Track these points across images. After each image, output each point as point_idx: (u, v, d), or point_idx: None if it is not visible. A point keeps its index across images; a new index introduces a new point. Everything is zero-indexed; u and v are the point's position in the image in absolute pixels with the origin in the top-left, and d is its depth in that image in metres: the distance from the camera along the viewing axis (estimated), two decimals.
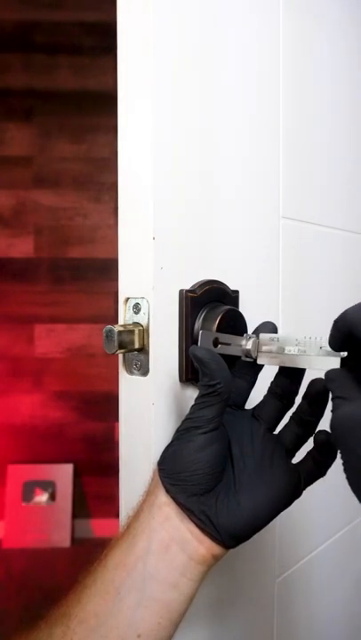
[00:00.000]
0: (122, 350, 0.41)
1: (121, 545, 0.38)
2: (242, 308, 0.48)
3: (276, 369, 0.42)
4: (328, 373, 0.36)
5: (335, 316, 0.35)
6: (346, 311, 0.34)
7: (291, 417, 0.42)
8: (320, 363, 0.38)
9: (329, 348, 0.36)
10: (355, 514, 0.74)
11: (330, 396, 0.37)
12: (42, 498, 2.40)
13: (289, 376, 0.41)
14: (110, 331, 0.40)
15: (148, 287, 0.41)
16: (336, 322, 0.34)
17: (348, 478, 0.32)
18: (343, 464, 0.32)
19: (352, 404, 0.33)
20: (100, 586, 0.37)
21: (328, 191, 0.66)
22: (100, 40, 2.38)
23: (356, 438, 0.31)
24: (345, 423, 0.32)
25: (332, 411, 0.34)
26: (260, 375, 0.43)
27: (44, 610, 0.38)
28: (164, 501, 0.38)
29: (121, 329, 0.40)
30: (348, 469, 0.32)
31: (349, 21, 0.69)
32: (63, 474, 2.44)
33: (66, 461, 2.46)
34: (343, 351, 0.36)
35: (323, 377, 0.38)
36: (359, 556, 0.76)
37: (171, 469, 0.38)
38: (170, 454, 0.39)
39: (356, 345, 0.34)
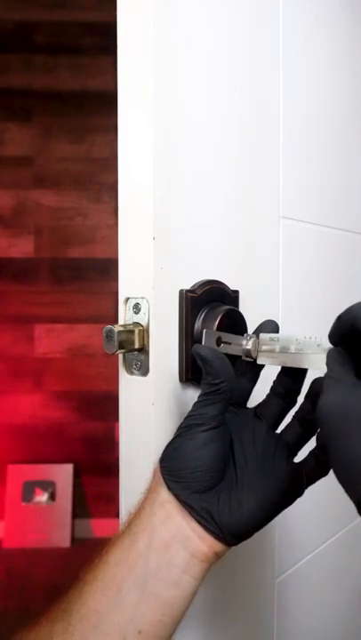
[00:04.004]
0: (122, 350, 0.41)
1: (122, 542, 0.39)
2: (242, 308, 0.48)
3: (278, 368, 0.42)
4: (331, 351, 0.35)
5: (335, 316, 0.35)
6: (351, 306, 0.33)
7: (293, 416, 0.42)
8: (321, 362, 0.38)
9: (326, 346, 0.36)
10: (355, 514, 0.74)
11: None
12: (42, 498, 2.40)
13: (292, 375, 0.41)
14: (110, 331, 0.40)
15: (148, 287, 0.41)
16: (340, 316, 0.34)
17: (333, 467, 0.31)
18: (329, 450, 0.31)
19: (340, 388, 0.32)
20: (101, 582, 0.37)
21: (328, 191, 0.66)
22: (100, 40, 2.38)
23: (339, 426, 0.30)
24: (330, 410, 0.31)
25: (320, 391, 0.33)
26: (263, 374, 0.43)
27: (44, 609, 0.38)
28: (165, 499, 0.38)
29: (121, 329, 0.40)
30: (334, 458, 0.31)
31: (347, 22, 0.69)
32: (63, 474, 2.43)
33: (66, 461, 2.46)
34: (341, 346, 0.36)
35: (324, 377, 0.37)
36: (359, 557, 0.76)
37: (172, 466, 0.38)
38: (171, 451, 0.39)
39: (357, 340, 0.34)
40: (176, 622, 0.38)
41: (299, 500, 0.41)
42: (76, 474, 2.46)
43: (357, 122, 0.71)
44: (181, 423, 0.40)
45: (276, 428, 0.42)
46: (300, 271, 0.60)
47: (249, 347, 0.42)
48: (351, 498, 0.30)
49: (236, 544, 0.39)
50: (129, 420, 0.44)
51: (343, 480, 0.30)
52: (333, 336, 0.35)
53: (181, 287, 0.43)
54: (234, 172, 0.49)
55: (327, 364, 0.35)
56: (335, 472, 0.31)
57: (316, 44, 0.62)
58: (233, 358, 0.42)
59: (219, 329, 0.43)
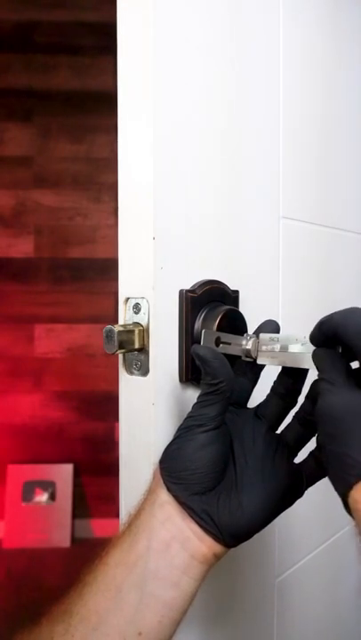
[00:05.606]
0: (122, 350, 0.41)
1: (122, 543, 0.39)
2: (242, 308, 0.48)
3: (279, 368, 0.42)
4: (316, 351, 0.36)
5: None
6: (333, 314, 0.34)
7: (293, 416, 0.42)
8: None
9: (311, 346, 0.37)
10: None
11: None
12: (42, 498, 2.40)
13: (292, 375, 0.41)
14: (110, 331, 0.40)
15: (148, 287, 0.41)
16: (322, 323, 0.35)
17: (326, 465, 0.32)
18: (324, 450, 0.32)
19: (338, 392, 0.33)
20: (101, 584, 0.37)
21: (328, 191, 0.66)
22: (100, 40, 2.38)
23: (338, 429, 0.31)
24: (329, 413, 0.32)
25: (318, 393, 0.34)
26: (263, 374, 0.43)
27: (44, 609, 0.38)
28: (165, 500, 0.38)
29: (121, 329, 0.40)
30: (328, 456, 0.31)
31: (344, 24, 0.69)
32: (63, 474, 2.43)
33: (66, 461, 2.46)
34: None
35: None
36: (359, 557, 0.76)
37: (172, 467, 0.38)
38: (171, 452, 0.39)
39: (337, 344, 0.35)
40: (176, 623, 0.38)
41: (299, 500, 0.41)
42: (76, 474, 2.46)
43: (358, 121, 0.71)
44: (181, 424, 0.40)
45: (277, 429, 0.42)
46: (301, 271, 0.60)
47: (249, 347, 0.42)
48: (338, 493, 0.30)
49: (235, 545, 0.39)
50: (129, 420, 0.44)
51: (332, 475, 0.31)
52: (314, 340, 0.36)
53: (181, 287, 0.43)
54: (234, 172, 0.49)
55: (317, 366, 0.35)
56: (327, 470, 0.32)
57: (315, 41, 0.62)
58: (233, 358, 0.42)
59: (219, 329, 0.43)
